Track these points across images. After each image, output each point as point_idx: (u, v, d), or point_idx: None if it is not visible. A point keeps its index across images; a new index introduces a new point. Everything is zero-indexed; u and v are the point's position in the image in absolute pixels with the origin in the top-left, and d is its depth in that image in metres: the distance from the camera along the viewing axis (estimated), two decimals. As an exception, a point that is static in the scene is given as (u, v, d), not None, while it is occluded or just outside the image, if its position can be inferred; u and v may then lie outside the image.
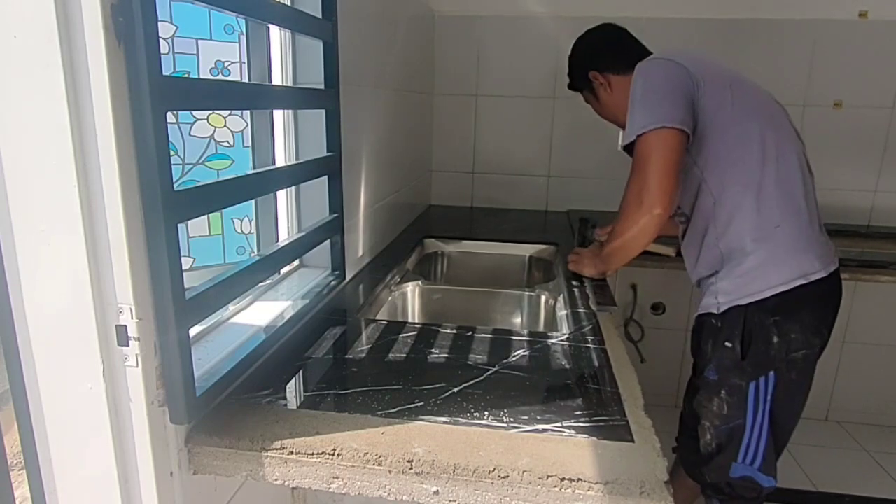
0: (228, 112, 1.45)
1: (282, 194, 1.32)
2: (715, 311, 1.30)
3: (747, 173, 1.24)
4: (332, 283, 1.29)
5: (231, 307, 1.13)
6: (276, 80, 1.25)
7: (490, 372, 1.00)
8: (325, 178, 1.23)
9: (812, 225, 1.26)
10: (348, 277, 1.40)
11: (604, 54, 1.48)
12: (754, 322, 1.24)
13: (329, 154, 1.22)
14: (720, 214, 1.27)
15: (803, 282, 1.22)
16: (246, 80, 1.28)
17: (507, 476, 0.74)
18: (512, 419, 0.85)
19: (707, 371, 1.31)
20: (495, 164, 2.64)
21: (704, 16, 2.36)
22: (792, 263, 1.22)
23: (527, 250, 1.99)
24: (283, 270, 1.36)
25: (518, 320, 1.62)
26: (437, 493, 0.76)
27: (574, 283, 1.52)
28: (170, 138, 0.69)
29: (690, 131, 1.22)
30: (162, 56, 0.66)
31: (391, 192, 1.87)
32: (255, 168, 1.27)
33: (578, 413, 0.87)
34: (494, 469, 0.74)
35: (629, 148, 1.28)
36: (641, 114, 1.22)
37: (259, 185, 0.98)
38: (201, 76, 1.37)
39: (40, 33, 0.60)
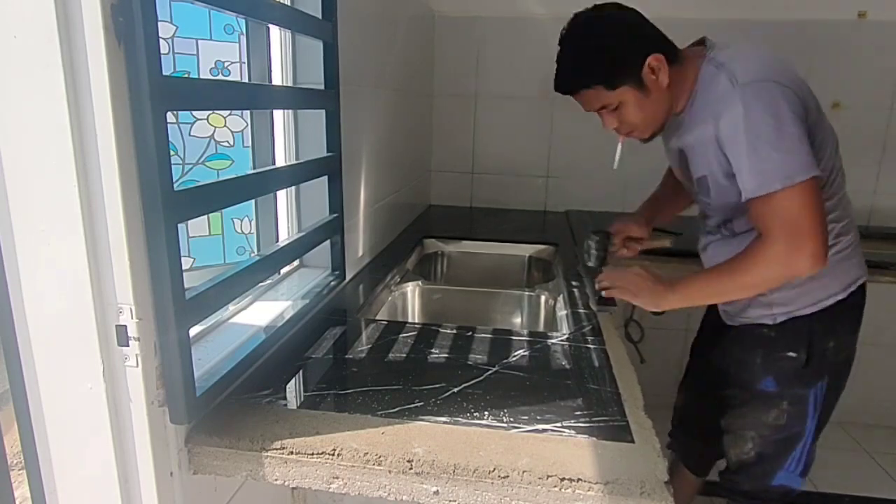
0: (228, 112, 1.46)
1: (282, 194, 1.32)
2: (769, 322, 1.23)
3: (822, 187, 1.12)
4: (332, 283, 1.29)
5: (231, 307, 1.13)
6: (276, 80, 1.25)
7: (490, 372, 1.00)
8: (325, 178, 1.23)
9: (856, 235, 1.25)
10: (348, 277, 1.40)
11: (658, 35, 1.15)
12: (816, 331, 1.21)
13: (329, 154, 1.22)
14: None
15: (853, 288, 1.23)
16: (246, 80, 1.29)
17: (507, 476, 0.74)
18: (512, 419, 0.85)
19: (763, 383, 1.25)
20: (495, 164, 2.64)
21: (705, 16, 2.36)
22: (847, 271, 1.23)
23: (526, 250, 1.99)
24: (283, 270, 1.36)
25: (518, 320, 1.62)
26: (437, 493, 0.76)
27: (574, 283, 1.51)
28: (170, 138, 0.69)
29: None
30: (162, 56, 0.66)
31: (391, 192, 1.87)
32: (255, 168, 1.28)
33: (578, 413, 0.87)
34: (494, 469, 0.74)
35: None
36: (779, 159, 1.01)
37: (259, 185, 0.98)
38: (201, 76, 1.37)
39: (40, 33, 0.60)
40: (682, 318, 2.34)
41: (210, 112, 1.43)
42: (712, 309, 1.44)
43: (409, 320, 1.60)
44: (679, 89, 1.15)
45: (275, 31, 1.23)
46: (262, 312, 1.15)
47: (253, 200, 1.31)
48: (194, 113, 1.39)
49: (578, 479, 0.73)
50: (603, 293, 1.25)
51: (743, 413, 1.29)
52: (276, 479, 0.79)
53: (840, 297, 1.21)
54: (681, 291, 1.17)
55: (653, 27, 1.16)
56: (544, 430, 0.82)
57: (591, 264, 1.38)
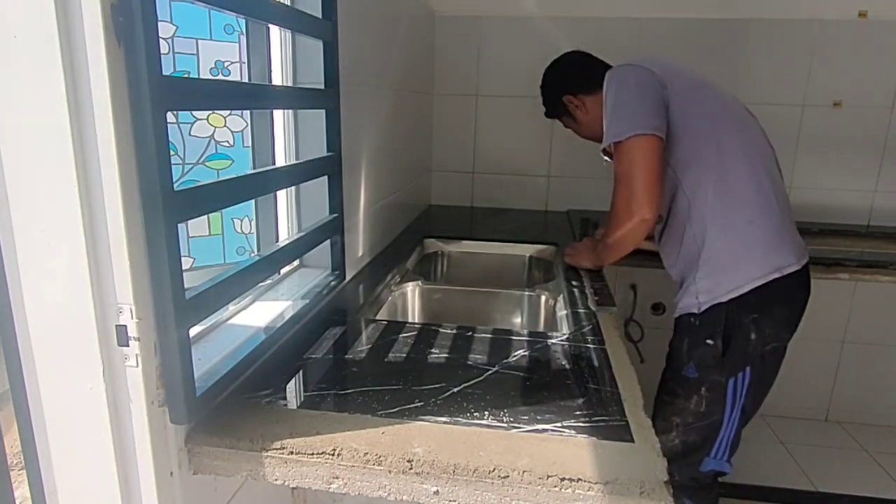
0: (228, 112, 1.46)
1: (282, 194, 1.32)
2: (696, 311, 1.32)
3: (717, 172, 1.27)
4: (332, 283, 1.29)
5: (231, 307, 1.13)
6: (276, 80, 1.25)
7: (490, 372, 1.00)
8: (325, 178, 1.23)
9: (784, 222, 1.30)
10: (348, 277, 1.40)
11: (573, 77, 1.55)
12: (734, 319, 1.27)
13: (329, 154, 1.22)
14: (695, 214, 1.29)
15: (778, 275, 1.25)
16: (246, 80, 1.29)
17: (507, 476, 0.74)
18: (512, 419, 0.85)
19: (686, 369, 1.33)
20: (495, 164, 2.64)
21: (704, 16, 2.36)
22: (768, 257, 1.26)
23: (527, 250, 1.99)
24: (283, 270, 1.36)
25: (518, 320, 1.62)
26: (437, 493, 0.76)
27: (574, 283, 1.52)
28: (170, 138, 0.69)
29: (664, 136, 1.26)
30: (162, 56, 0.66)
31: (391, 192, 1.87)
32: (255, 168, 1.27)
33: (578, 413, 0.87)
34: (494, 469, 0.74)
35: (608, 153, 1.34)
36: (618, 120, 1.25)
37: (259, 185, 0.98)
38: (201, 76, 1.37)
39: (40, 33, 0.60)
40: (682, 318, 2.34)
41: (210, 112, 1.43)
42: None
43: (409, 320, 1.60)
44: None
45: (275, 31, 1.23)
46: (262, 312, 1.15)
47: (253, 200, 1.31)
48: (194, 113, 1.39)
49: (578, 479, 0.73)
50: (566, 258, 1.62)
51: (670, 401, 1.37)
52: (276, 479, 0.79)
53: (759, 283, 1.24)
54: (599, 253, 1.51)
55: (580, 68, 1.56)
56: (544, 430, 0.82)
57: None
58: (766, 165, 1.32)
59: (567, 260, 1.63)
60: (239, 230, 1.54)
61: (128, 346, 0.69)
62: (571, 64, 1.59)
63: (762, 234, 1.26)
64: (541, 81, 1.66)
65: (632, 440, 0.81)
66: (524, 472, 0.74)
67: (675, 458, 1.36)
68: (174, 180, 0.70)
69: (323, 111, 1.20)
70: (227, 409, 0.86)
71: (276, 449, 0.78)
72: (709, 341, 1.29)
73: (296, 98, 1.18)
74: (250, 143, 1.28)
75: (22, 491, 0.78)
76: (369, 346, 1.09)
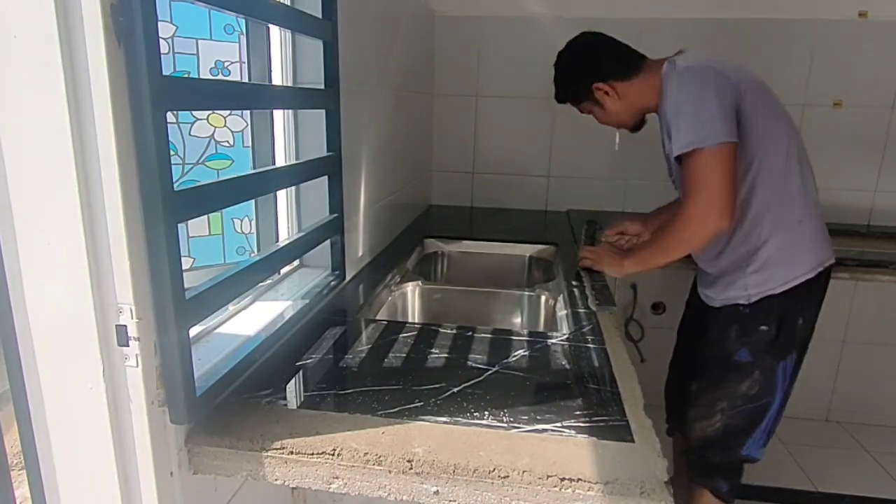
0: (228, 112, 1.46)
1: (282, 194, 1.32)
2: (744, 302, 1.36)
3: (777, 175, 1.31)
4: (332, 283, 1.29)
5: (231, 307, 1.13)
6: (276, 80, 1.25)
7: (490, 372, 1.00)
8: (325, 178, 1.23)
9: (822, 219, 1.39)
10: (348, 277, 1.40)
11: (606, 62, 1.43)
12: (786, 307, 1.34)
13: (329, 154, 1.22)
14: (750, 214, 1.33)
15: (820, 269, 1.35)
16: (246, 80, 1.28)
17: (507, 476, 0.74)
18: (512, 419, 0.85)
19: (738, 354, 1.37)
20: (495, 164, 2.64)
21: (704, 16, 2.36)
22: (813, 254, 1.35)
23: (527, 250, 1.99)
24: (283, 270, 1.36)
25: (518, 320, 1.62)
26: (437, 493, 0.76)
27: (574, 283, 1.52)
28: (170, 138, 0.69)
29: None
30: (162, 56, 0.66)
31: (391, 192, 1.87)
32: (255, 168, 1.27)
33: (578, 413, 0.87)
34: (494, 469, 0.74)
35: (678, 156, 1.28)
36: (697, 128, 1.20)
37: (259, 185, 0.98)
38: (201, 76, 1.37)
39: (40, 33, 0.60)
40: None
41: (210, 112, 1.43)
42: (695, 294, 1.55)
43: (409, 320, 1.60)
44: (646, 92, 1.38)
45: (275, 31, 1.23)
46: (262, 312, 1.15)
47: (253, 200, 1.31)
48: (194, 113, 1.39)
49: (578, 479, 0.73)
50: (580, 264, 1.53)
51: (717, 385, 1.41)
52: (276, 479, 0.79)
53: (809, 277, 1.33)
54: (635, 258, 1.42)
55: (610, 52, 1.44)
56: (544, 430, 0.82)
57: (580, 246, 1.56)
58: (810, 168, 1.38)
59: (585, 265, 1.52)
60: (239, 230, 1.54)
61: (128, 346, 0.69)
62: (601, 47, 1.45)
63: (809, 233, 1.35)
64: (560, 65, 1.49)
65: (632, 440, 0.81)
66: (524, 472, 0.74)
67: (714, 441, 1.43)
68: (174, 180, 0.70)
69: (323, 111, 1.20)
70: (227, 409, 0.86)
71: (276, 449, 0.78)
72: (763, 327, 1.34)
73: (296, 98, 1.18)
74: (250, 143, 1.28)
75: (22, 491, 0.78)
76: (369, 346, 1.09)
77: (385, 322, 1.23)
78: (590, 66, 1.44)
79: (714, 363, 1.42)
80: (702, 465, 1.48)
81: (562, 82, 1.50)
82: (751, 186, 1.31)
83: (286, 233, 1.33)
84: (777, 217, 1.32)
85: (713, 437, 1.42)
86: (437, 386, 0.94)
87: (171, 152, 0.72)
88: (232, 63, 1.41)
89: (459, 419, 0.84)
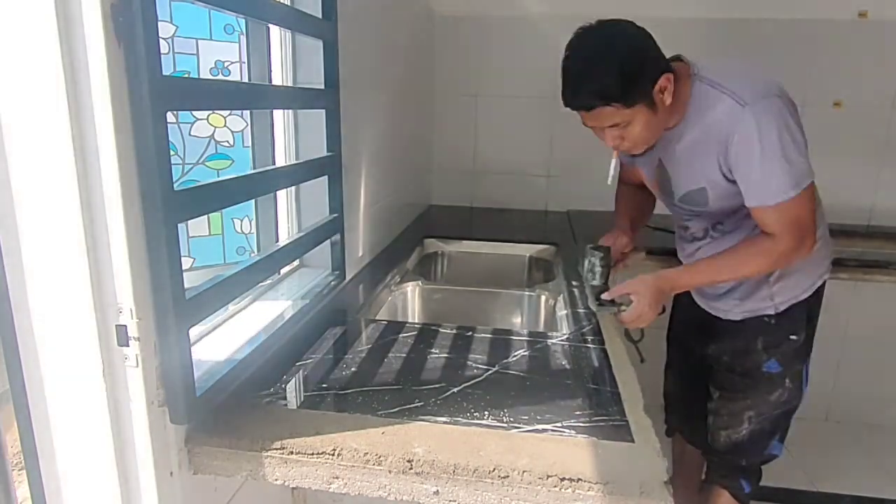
0: (228, 112, 1.45)
1: (282, 194, 1.32)
2: (771, 312, 1.32)
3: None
4: (332, 283, 1.29)
5: (231, 307, 1.13)
6: (276, 80, 1.25)
7: (490, 372, 1.00)
8: (325, 178, 1.23)
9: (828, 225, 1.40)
10: (348, 277, 1.40)
11: (663, 56, 1.16)
12: (812, 312, 1.35)
13: (329, 154, 1.22)
14: None
15: (831, 266, 1.37)
16: (246, 80, 1.28)
17: (507, 476, 0.74)
18: (512, 419, 0.85)
19: (767, 365, 1.33)
20: (495, 164, 2.64)
21: (704, 16, 2.36)
22: (826, 259, 1.37)
23: (527, 250, 1.99)
24: (283, 270, 1.35)
25: (518, 320, 1.62)
26: (437, 493, 0.76)
27: (574, 283, 1.51)
28: (170, 138, 0.69)
29: None
30: (162, 56, 0.66)
31: (391, 192, 1.87)
32: (255, 168, 1.27)
33: (578, 413, 0.87)
34: (494, 469, 0.74)
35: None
36: (788, 171, 1.09)
37: (259, 185, 0.98)
38: (201, 76, 1.37)
39: (40, 33, 0.60)
40: (682, 318, 2.34)
41: (210, 112, 1.42)
42: (691, 303, 1.46)
43: (409, 320, 1.60)
44: (674, 106, 1.16)
45: (275, 31, 1.23)
46: (262, 312, 1.15)
47: (253, 200, 1.30)
48: (194, 113, 1.39)
49: (578, 479, 0.73)
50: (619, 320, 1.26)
51: (744, 396, 1.37)
52: (276, 479, 0.79)
53: (826, 277, 1.36)
54: (684, 283, 1.29)
55: (657, 45, 1.16)
56: (544, 430, 0.82)
57: (595, 283, 1.30)
58: None
59: (639, 325, 1.27)
60: (239, 230, 1.54)
61: (128, 346, 0.69)
62: (648, 35, 1.15)
63: (824, 239, 1.33)
64: (613, 50, 1.10)
65: (632, 440, 0.81)
66: (524, 472, 0.74)
67: (740, 446, 1.41)
68: (174, 180, 0.70)
69: (323, 111, 1.20)
70: (227, 409, 0.86)
71: (276, 449, 0.78)
72: (792, 336, 1.32)
73: (296, 98, 1.18)
74: (250, 143, 1.28)
75: (22, 491, 0.78)
76: (369, 346, 1.09)
77: (385, 322, 1.23)
78: (654, 56, 1.13)
79: (738, 375, 1.37)
80: (726, 468, 1.45)
81: (620, 73, 1.08)
82: None
83: (286, 233, 1.33)
84: None
85: (740, 443, 1.40)
86: (437, 386, 0.94)
87: (171, 152, 0.72)
88: (232, 63, 1.41)
89: (459, 419, 0.84)
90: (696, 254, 1.37)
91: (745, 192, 1.14)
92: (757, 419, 1.37)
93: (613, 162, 1.22)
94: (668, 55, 1.20)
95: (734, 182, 1.16)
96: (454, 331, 1.17)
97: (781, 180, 1.10)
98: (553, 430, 0.82)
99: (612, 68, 1.09)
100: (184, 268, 0.73)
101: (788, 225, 1.14)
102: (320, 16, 1.15)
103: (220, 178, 0.88)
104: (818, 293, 1.35)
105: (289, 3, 1.20)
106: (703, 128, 1.16)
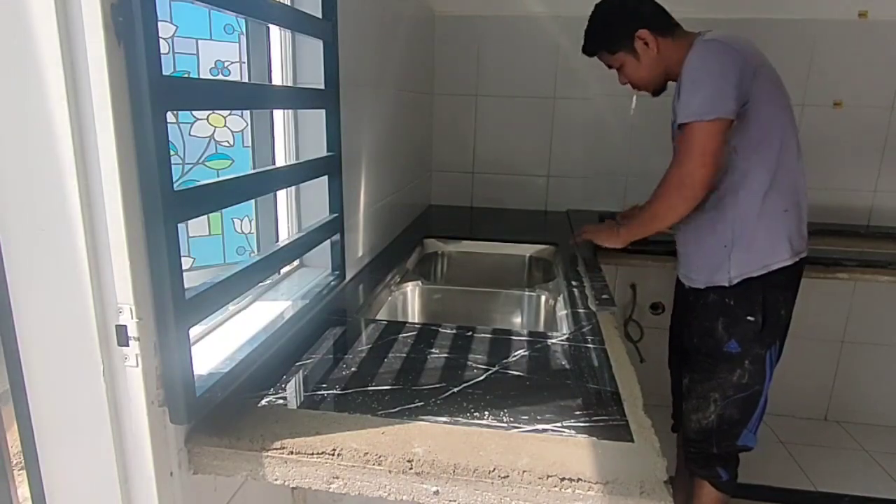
0: (228, 112, 1.45)
1: (282, 194, 1.32)
2: (726, 284, 1.39)
3: (773, 164, 1.35)
4: (332, 283, 1.29)
5: (231, 307, 1.13)
6: (276, 80, 1.25)
7: (490, 372, 1.00)
8: (325, 178, 1.23)
9: (805, 213, 1.45)
10: (348, 277, 1.40)
11: (653, 13, 1.45)
12: (768, 298, 1.39)
13: (329, 154, 1.22)
14: (742, 196, 1.37)
15: (797, 259, 1.40)
16: (246, 80, 1.28)
17: (507, 476, 0.74)
18: (512, 419, 0.85)
19: (728, 345, 1.41)
20: (495, 164, 2.64)
21: (705, 16, 2.35)
22: (794, 242, 1.39)
23: (527, 250, 1.99)
24: (283, 270, 1.36)
25: (518, 320, 1.62)
26: (437, 493, 0.76)
27: (574, 283, 1.52)
28: (170, 138, 0.69)
29: (735, 119, 1.30)
30: (162, 56, 0.66)
31: (391, 192, 1.87)
32: (255, 168, 1.27)
33: (578, 413, 0.87)
34: (494, 469, 0.74)
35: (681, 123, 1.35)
36: (700, 99, 1.27)
37: (259, 185, 0.98)
38: (201, 76, 1.37)
39: (40, 33, 0.60)
40: (682, 318, 2.34)
41: (210, 112, 1.42)
42: (681, 284, 1.58)
43: (409, 320, 1.60)
44: (677, 56, 1.39)
45: (275, 31, 1.23)
46: (262, 312, 1.15)
47: (253, 200, 1.30)
48: (194, 113, 1.39)
49: (578, 479, 0.73)
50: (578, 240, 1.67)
51: (709, 377, 1.45)
52: (276, 479, 0.79)
53: (787, 264, 1.38)
54: (628, 228, 1.52)
55: (652, 4, 1.45)
56: (544, 430, 0.82)
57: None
58: (803, 166, 1.43)
59: (585, 237, 1.66)
60: (239, 230, 1.54)
61: (128, 346, 0.69)
62: (648, 4, 1.46)
63: (793, 223, 1.39)
64: (601, 9, 1.49)
65: (632, 440, 0.81)
66: (524, 472, 0.74)
67: (711, 433, 1.47)
68: (174, 180, 0.70)
69: (323, 111, 1.20)
70: (227, 409, 0.86)
71: (276, 449, 0.78)
72: (749, 318, 1.38)
73: (296, 98, 1.18)
74: (250, 143, 1.28)
75: (22, 491, 0.78)
76: (369, 346, 1.09)
77: (385, 322, 1.23)
78: (637, 11, 1.44)
79: (703, 355, 1.46)
80: (700, 457, 1.51)
81: (602, 26, 1.48)
82: (745, 169, 1.35)
83: (286, 233, 1.33)
84: (766, 203, 1.36)
85: (709, 429, 1.47)
86: (437, 386, 0.94)
87: (171, 152, 0.72)
88: (232, 63, 1.41)
89: (459, 419, 0.84)
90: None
91: (675, 112, 1.34)
92: (722, 402, 1.44)
93: (634, 98, 1.62)
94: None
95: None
96: (454, 331, 1.17)
97: (697, 104, 1.27)
98: (553, 430, 0.82)
99: (597, 25, 1.50)
100: (184, 268, 0.73)
101: (692, 146, 1.28)
102: (320, 16, 1.15)
103: (220, 178, 0.88)
104: (776, 279, 1.38)
105: (289, 3, 1.21)
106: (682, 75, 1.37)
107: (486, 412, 0.86)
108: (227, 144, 1.46)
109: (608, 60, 1.50)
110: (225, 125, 1.45)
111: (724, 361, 1.42)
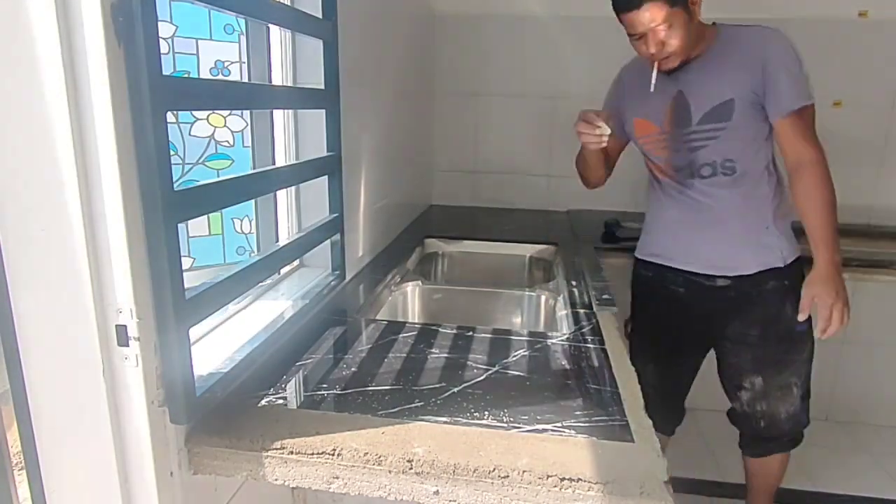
0: (228, 112, 1.45)
1: (282, 194, 1.32)
2: (781, 265, 1.40)
3: None
4: (332, 283, 1.29)
5: (231, 307, 1.13)
6: (276, 80, 1.25)
7: (490, 372, 1.00)
8: (325, 177, 1.23)
9: None
10: (348, 277, 1.40)
11: None
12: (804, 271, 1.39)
13: (329, 154, 1.22)
14: (774, 174, 1.42)
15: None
16: (246, 80, 1.28)
17: (507, 476, 0.74)
18: (512, 419, 0.85)
19: (799, 325, 1.38)
20: (496, 163, 2.64)
21: (705, 16, 2.35)
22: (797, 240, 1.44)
23: (527, 250, 1.99)
24: (283, 270, 1.35)
25: (518, 320, 1.62)
26: (437, 493, 0.76)
27: (574, 283, 1.52)
28: (170, 138, 0.69)
29: None
30: (162, 56, 0.66)
31: (391, 192, 1.87)
32: (255, 168, 1.27)
33: (578, 413, 0.87)
34: (494, 469, 0.74)
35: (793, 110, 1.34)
36: (804, 82, 1.31)
37: (259, 185, 0.98)
38: (201, 76, 1.37)
39: (40, 33, 0.60)
40: (682, 318, 2.34)
41: (210, 112, 1.42)
42: (690, 282, 1.51)
43: (410, 320, 1.60)
44: (701, 36, 1.37)
45: (275, 31, 1.23)
46: (262, 312, 1.15)
47: (253, 200, 1.30)
48: (194, 113, 1.39)
49: (578, 479, 0.73)
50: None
51: (785, 364, 1.44)
52: (276, 479, 0.79)
53: (797, 255, 1.44)
54: (833, 254, 1.31)
55: None
56: (544, 430, 0.82)
57: None
58: None
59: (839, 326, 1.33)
60: (239, 230, 1.54)
61: (128, 346, 0.69)
62: None
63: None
64: None
65: (632, 440, 0.81)
66: (524, 472, 0.74)
67: (800, 413, 1.50)
68: (174, 180, 0.70)
69: (323, 111, 1.20)
70: (227, 409, 0.86)
71: (276, 449, 0.78)
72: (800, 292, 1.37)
73: (296, 98, 1.18)
74: (250, 143, 1.28)
75: (22, 491, 0.78)
76: (369, 346, 1.09)
77: (385, 322, 1.23)
78: None
79: (773, 343, 1.43)
80: (796, 439, 1.56)
81: None
82: (773, 154, 1.42)
83: (286, 233, 1.33)
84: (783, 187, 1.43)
85: (797, 412, 1.49)
86: (437, 386, 0.94)
87: (171, 152, 0.72)
88: (232, 63, 1.41)
89: (459, 419, 0.84)
90: (710, 191, 1.42)
91: (775, 100, 1.31)
92: (801, 382, 1.46)
93: (654, 71, 1.36)
94: None
95: (757, 101, 1.32)
96: (454, 331, 1.17)
97: (802, 88, 1.29)
98: (553, 430, 0.82)
99: None
100: (184, 268, 0.73)
101: (806, 130, 1.31)
102: (320, 16, 1.15)
103: (220, 178, 0.88)
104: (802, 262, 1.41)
105: (289, 3, 1.20)
106: (733, 46, 1.37)
107: (486, 412, 0.86)
108: (227, 144, 1.45)
109: (659, 15, 1.28)
110: (225, 125, 1.44)
111: (797, 342, 1.42)
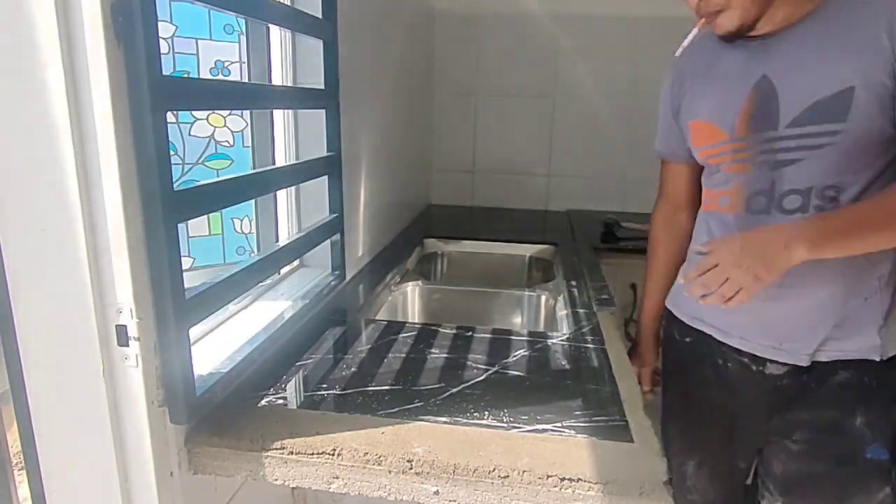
0: (228, 112, 1.45)
1: (282, 194, 1.32)
2: (876, 359, 0.91)
3: None
4: (332, 283, 1.29)
5: (231, 307, 1.13)
6: (276, 80, 1.25)
7: (490, 372, 1.00)
8: (325, 177, 1.23)
9: None
10: (348, 277, 1.40)
11: None
12: None
13: (329, 154, 1.22)
14: None
15: None
16: (246, 80, 1.28)
17: (507, 476, 0.74)
18: (512, 419, 0.85)
19: (871, 450, 0.93)
20: (495, 163, 2.64)
21: (704, 16, 2.36)
22: None
23: (527, 250, 1.99)
24: (283, 270, 1.36)
25: (518, 320, 1.62)
26: (437, 493, 0.76)
27: (574, 283, 1.52)
28: (170, 138, 0.69)
29: None
30: (162, 56, 0.66)
31: (391, 192, 1.87)
32: (255, 168, 1.27)
33: (578, 413, 0.87)
34: (494, 469, 0.74)
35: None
36: None
37: (259, 185, 0.98)
38: (201, 76, 1.37)
39: (40, 33, 0.60)
40: (682, 318, 2.34)
41: (210, 112, 1.42)
42: (746, 364, 1.00)
43: (409, 320, 1.60)
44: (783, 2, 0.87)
45: (275, 31, 1.23)
46: (262, 312, 1.15)
47: (253, 200, 1.30)
48: (194, 113, 1.39)
49: (578, 479, 0.73)
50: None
51: (834, 497, 0.97)
52: (276, 479, 0.79)
53: None
54: (817, 233, 0.82)
55: None
56: (544, 430, 0.82)
57: None
58: None
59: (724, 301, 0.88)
60: (239, 230, 1.54)
61: (128, 346, 0.69)
62: None
63: None
64: None
65: (632, 440, 0.81)
66: (524, 472, 0.74)
67: None
68: (174, 180, 0.70)
69: (323, 111, 1.20)
70: (228, 409, 0.86)
71: (276, 449, 0.78)
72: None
73: (296, 98, 1.18)
74: (250, 143, 1.28)
75: (22, 491, 0.78)
76: (369, 346, 1.09)
77: (385, 322, 1.23)
78: None
79: (822, 462, 0.95)
80: None
81: None
82: None
83: (286, 233, 1.33)
84: None
85: None
86: (436, 386, 0.94)
87: (171, 152, 0.72)
88: (232, 63, 1.41)
89: (459, 419, 0.84)
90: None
91: None
92: None
93: (693, 32, 1.00)
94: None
95: (888, 94, 0.81)
96: (454, 331, 1.17)
97: None
98: (553, 430, 0.82)
99: None
100: (184, 268, 0.73)
101: None
102: (320, 16, 1.15)
103: (220, 178, 0.88)
104: None
105: (289, 3, 1.21)
106: (854, 9, 0.85)
107: (486, 412, 0.86)
108: (227, 144, 1.45)
109: None
110: (225, 125, 1.44)
111: (862, 475, 0.93)
